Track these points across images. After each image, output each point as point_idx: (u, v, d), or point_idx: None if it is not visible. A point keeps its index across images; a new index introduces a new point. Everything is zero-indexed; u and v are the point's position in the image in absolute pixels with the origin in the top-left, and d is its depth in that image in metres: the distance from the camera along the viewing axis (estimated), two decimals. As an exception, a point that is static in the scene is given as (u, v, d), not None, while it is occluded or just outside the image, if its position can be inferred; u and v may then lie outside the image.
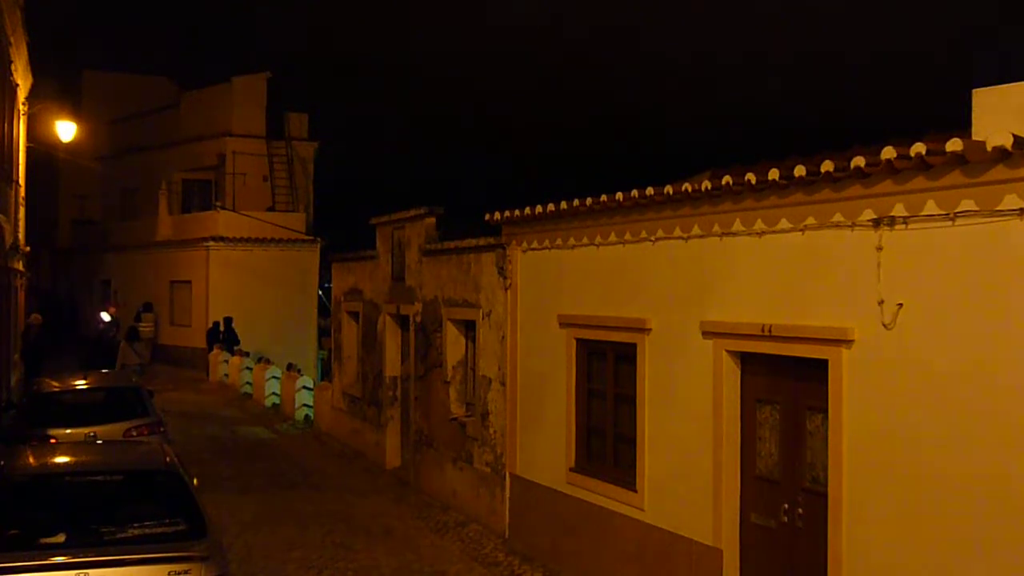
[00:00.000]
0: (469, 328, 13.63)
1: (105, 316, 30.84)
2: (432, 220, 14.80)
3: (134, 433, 13.11)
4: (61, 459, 8.99)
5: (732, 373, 8.32)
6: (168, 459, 8.65)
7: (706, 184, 8.26)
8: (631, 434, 9.65)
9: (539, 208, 10.81)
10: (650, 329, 9.31)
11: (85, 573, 6.79)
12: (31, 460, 8.78)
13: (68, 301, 38.74)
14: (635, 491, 9.49)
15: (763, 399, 8.14)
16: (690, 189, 8.47)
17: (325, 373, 26.35)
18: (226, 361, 27.84)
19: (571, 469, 10.65)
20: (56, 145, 27.12)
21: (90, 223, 39.03)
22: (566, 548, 10.67)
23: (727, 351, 8.30)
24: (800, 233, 7.52)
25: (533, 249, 11.45)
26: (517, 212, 11.36)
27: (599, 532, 10.06)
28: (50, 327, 33.04)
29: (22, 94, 25.43)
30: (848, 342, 7.03)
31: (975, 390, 6.18)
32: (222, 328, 29.12)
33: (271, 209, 32.99)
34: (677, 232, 8.93)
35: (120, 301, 34.13)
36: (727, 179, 7.99)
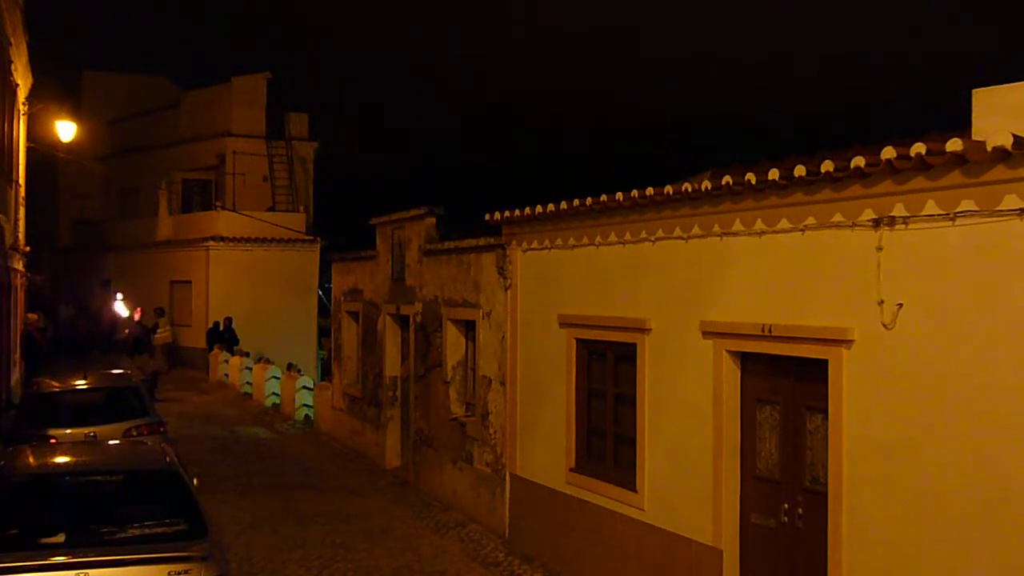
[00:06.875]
0: (469, 328, 13.63)
1: (121, 309, 30.80)
2: (432, 220, 14.80)
3: (134, 433, 13.09)
4: (61, 459, 8.97)
5: (732, 373, 8.32)
6: (168, 459, 8.65)
7: (706, 184, 8.26)
8: (631, 434, 9.65)
9: (539, 208, 10.81)
10: (650, 329, 9.31)
11: (85, 573, 6.79)
12: (31, 460, 8.77)
13: (102, 305, 38.58)
14: (635, 491, 9.48)
15: (763, 399, 8.14)
16: (690, 189, 8.46)
17: (325, 373, 26.34)
18: (226, 361, 27.84)
19: (571, 469, 10.64)
20: (56, 145, 27.10)
21: (90, 223, 38.98)
22: (566, 548, 10.67)
23: (727, 351, 8.30)
24: (800, 233, 7.51)
25: (533, 249, 11.45)
26: (517, 212, 11.36)
27: (599, 532, 10.05)
28: (87, 331, 33.14)
29: (22, 94, 25.41)
30: (848, 342, 7.02)
31: (975, 390, 6.17)
32: (222, 328, 29.15)
33: (271, 209, 32.99)
34: (677, 232, 8.93)
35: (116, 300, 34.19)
36: (727, 179, 7.98)
